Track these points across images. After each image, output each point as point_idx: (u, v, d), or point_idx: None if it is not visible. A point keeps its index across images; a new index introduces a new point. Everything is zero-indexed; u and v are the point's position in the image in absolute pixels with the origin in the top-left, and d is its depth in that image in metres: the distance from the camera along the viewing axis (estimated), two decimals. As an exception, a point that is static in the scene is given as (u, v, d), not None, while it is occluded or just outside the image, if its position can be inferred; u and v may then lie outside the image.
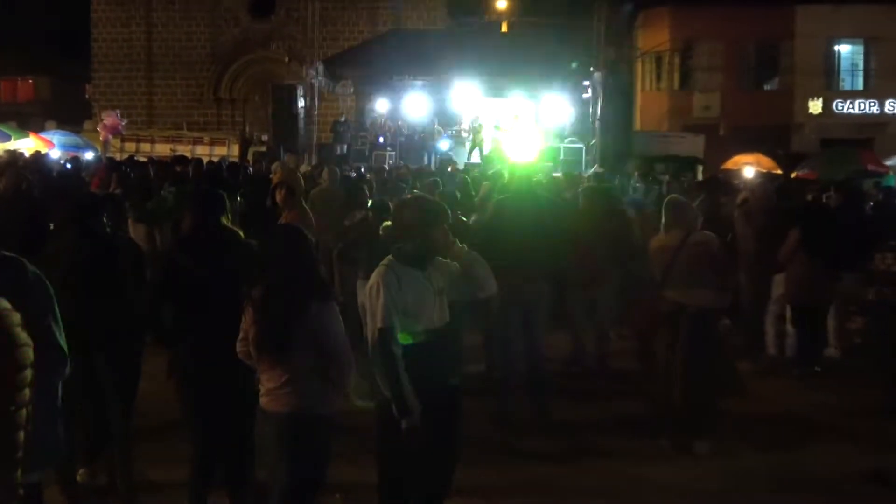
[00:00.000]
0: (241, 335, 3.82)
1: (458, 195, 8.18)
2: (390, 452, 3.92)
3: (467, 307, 4.25)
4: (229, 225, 4.59)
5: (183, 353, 4.34)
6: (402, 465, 3.90)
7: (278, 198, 7.28)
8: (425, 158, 23.49)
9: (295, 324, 3.63)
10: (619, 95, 24.35)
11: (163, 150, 25.13)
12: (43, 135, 23.60)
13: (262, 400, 3.80)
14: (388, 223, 6.34)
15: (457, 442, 4.06)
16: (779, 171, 21.86)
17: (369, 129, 24.98)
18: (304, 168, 15.45)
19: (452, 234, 4.13)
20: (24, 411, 2.36)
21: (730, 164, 23.28)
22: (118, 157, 20.93)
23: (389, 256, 3.92)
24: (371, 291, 3.83)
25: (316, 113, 25.84)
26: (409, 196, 4.94)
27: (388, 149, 23.78)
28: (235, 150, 26.49)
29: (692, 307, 5.90)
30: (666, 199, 6.45)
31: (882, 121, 29.60)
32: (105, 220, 4.94)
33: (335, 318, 3.74)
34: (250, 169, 15.50)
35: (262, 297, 3.70)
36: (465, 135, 24.45)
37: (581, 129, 23.76)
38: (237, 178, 10.80)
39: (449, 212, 4.05)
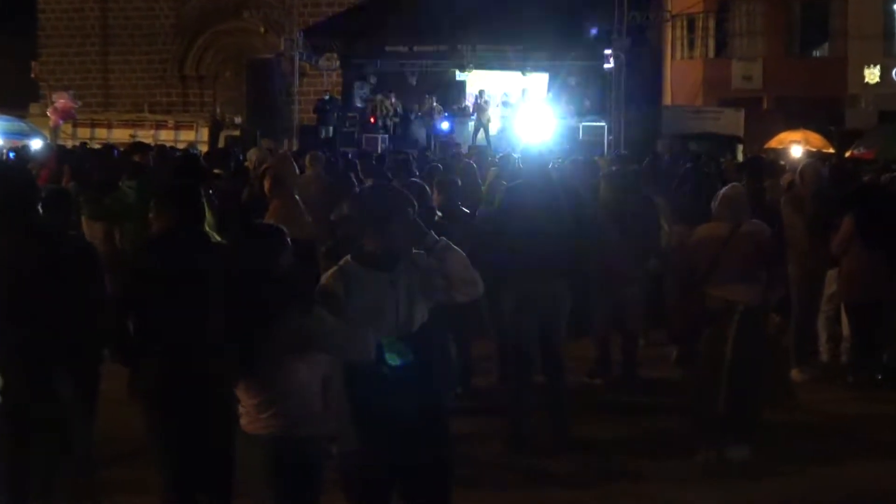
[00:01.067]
0: None
1: (461, 182, 8.17)
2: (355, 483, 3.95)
3: (445, 312, 4.15)
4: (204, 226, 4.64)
5: (148, 371, 4.36)
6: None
7: (265, 187, 7.30)
8: (423, 141, 23.53)
9: (267, 338, 3.66)
10: (645, 65, 24.36)
11: (121, 135, 25.16)
12: (-17, 121, 23.67)
13: (242, 421, 3.82)
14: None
15: (437, 472, 3.98)
16: (831, 150, 21.90)
17: (361, 109, 25.03)
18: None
19: (443, 226, 4.12)
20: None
21: (774, 143, 23.31)
22: (70, 144, 20.96)
23: (347, 257, 3.90)
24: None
25: (297, 91, 25.85)
26: (365, 185, 4.94)
27: (381, 131, 23.80)
28: (205, 134, 26.54)
29: (742, 305, 5.99)
30: (723, 189, 6.56)
31: (951, 90, 29.57)
32: (50, 216, 4.96)
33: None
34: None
35: (228, 308, 3.72)
36: (468, 113, 24.47)
37: (602, 105, 23.74)
38: (227, 168, 10.79)
39: (413, 201, 3.92)
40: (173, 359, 4.25)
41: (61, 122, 26.38)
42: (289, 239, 3.95)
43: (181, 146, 21.42)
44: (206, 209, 4.90)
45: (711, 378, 6.12)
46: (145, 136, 24.46)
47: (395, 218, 3.79)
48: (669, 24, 30.70)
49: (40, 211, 4.97)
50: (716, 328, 6.11)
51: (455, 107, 24.92)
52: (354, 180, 8.79)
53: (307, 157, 10.34)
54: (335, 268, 3.87)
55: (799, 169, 8.75)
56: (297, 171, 7.54)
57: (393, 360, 3.78)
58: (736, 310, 6.02)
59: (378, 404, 3.76)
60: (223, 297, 3.78)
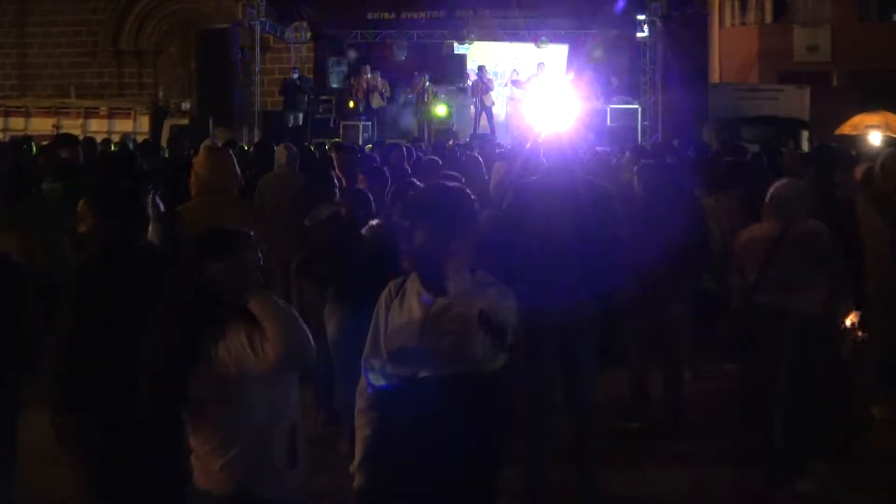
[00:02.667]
0: None
1: (462, 181, 8.17)
2: None
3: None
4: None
5: (89, 416, 4.37)
6: None
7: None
8: (415, 129, 23.54)
9: (194, 371, 3.67)
10: (687, 34, 24.38)
11: (42, 126, 25.17)
12: None
13: (195, 474, 3.87)
14: (377, 222, 6.42)
15: None
16: (917, 136, 21.91)
17: (338, 91, 25.00)
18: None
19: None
20: None
21: (847, 128, 23.35)
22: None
23: None
24: None
25: (258, 69, 25.85)
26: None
27: (362, 118, 23.81)
28: (145, 123, 26.50)
29: (796, 314, 6.12)
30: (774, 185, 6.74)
31: None
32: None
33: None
34: (165, 152, 15.51)
35: (148, 336, 3.75)
36: (470, 95, 24.50)
37: (635, 84, 23.77)
38: (156, 165, 10.79)
39: (470, 202, 3.93)
40: (119, 406, 4.24)
41: (-33, 109, 26.41)
42: (257, 247, 3.95)
43: (116, 138, 21.44)
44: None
45: (765, 399, 6.29)
46: (72, 126, 24.46)
47: (454, 229, 3.82)
48: (716, -18, 30.81)
49: None
50: (767, 341, 6.32)
51: (453, 87, 24.92)
52: (336, 180, 8.78)
53: (279, 150, 10.35)
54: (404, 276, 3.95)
55: (879, 160, 8.73)
56: (233, 164, 7.50)
57: (377, 380, 3.84)
58: (789, 320, 6.14)
59: (392, 446, 3.82)
60: (181, 323, 3.77)
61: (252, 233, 3.94)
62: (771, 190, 6.68)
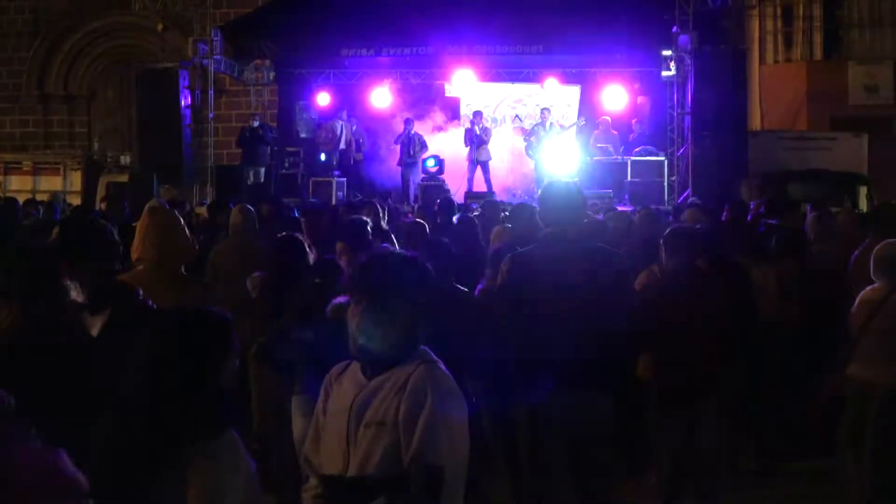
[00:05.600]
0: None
1: (452, 247, 8.16)
2: None
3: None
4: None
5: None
6: None
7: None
8: (399, 185, 23.53)
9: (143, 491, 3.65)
10: (723, 72, 24.52)
11: (-47, 185, 25.28)
12: None
13: None
14: (341, 302, 6.43)
15: None
16: None
17: (307, 141, 25.01)
18: (199, 210, 15.50)
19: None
20: None
21: (915, 183, 23.40)
22: None
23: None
24: None
25: (211, 116, 25.92)
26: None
27: (336, 173, 23.77)
28: (77, 180, 26.54)
29: (885, 388, 6.28)
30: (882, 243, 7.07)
31: None
32: None
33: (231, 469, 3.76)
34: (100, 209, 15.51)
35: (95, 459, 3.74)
36: (464, 144, 24.52)
37: (661, 132, 23.84)
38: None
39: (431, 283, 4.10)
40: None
41: None
42: (234, 333, 3.91)
43: (42, 198, 21.47)
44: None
45: (854, 475, 6.57)
46: (-12, 184, 24.56)
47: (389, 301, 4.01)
48: (756, 10, 31.00)
49: None
50: (852, 414, 6.63)
51: (444, 135, 24.90)
52: (307, 249, 8.77)
53: (234, 213, 10.28)
54: None
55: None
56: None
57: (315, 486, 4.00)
58: (875, 394, 6.23)
59: None
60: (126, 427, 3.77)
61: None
62: (877, 248, 6.89)
